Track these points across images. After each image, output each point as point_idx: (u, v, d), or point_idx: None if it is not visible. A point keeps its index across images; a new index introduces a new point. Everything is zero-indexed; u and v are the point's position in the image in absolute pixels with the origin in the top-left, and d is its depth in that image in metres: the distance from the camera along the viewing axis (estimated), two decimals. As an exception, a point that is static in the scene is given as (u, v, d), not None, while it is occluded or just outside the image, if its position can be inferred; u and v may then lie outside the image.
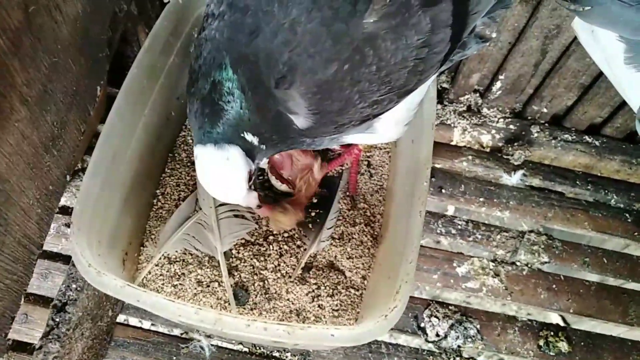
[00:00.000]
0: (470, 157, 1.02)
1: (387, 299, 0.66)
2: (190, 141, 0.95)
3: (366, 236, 0.89)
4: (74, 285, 0.70)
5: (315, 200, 0.91)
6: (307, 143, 0.74)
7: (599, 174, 1.04)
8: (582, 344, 0.89)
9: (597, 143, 1.05)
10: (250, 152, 0.66)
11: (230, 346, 0.86)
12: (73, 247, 0.64)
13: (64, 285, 0.70)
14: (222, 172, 0.65)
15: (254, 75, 0.62)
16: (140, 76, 0.76)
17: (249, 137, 0.65)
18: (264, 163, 0.71)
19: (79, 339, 0.72)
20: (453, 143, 1.05)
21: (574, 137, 1.05)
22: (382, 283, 0.76)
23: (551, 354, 0.88)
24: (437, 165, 1.02)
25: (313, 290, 0.85)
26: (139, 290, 0.62)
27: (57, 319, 0.68)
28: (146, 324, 0.89)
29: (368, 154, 0.96)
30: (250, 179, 0.68)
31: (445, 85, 1.07)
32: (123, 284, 0.62)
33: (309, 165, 0.89)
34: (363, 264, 0.87)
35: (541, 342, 0.88)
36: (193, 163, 0.93)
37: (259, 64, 0.61)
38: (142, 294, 0.62)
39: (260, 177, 0.93)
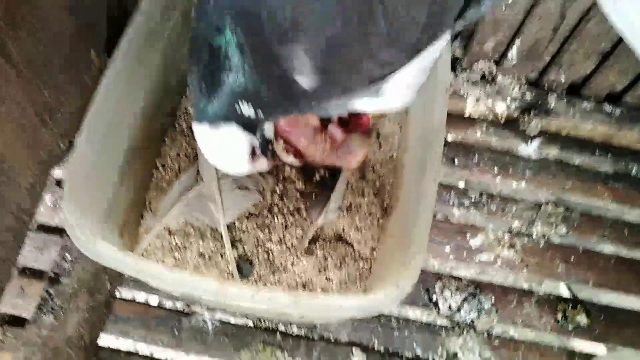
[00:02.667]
0: (484, 127, 0.98)
1: (398, 270, 0.62)
2: (192, 111, 0.91)
3: (375, 207, 0.85)
4: (68, 256, 0.67)
5: (322, 172, 0.87)
6: (311, 107, 0.70)
7: (618, 144, 1.00)
8: (601, 317, 0.85)
9: (617, 112, 1.00)
10: (249, 126, 0.62)
11: (234, 320, 0.82)
12: (65, 215, 0.60)
13: (58, 257, 0.67)
14: (222, 150, 0.62)
15: (254, 33, 0.58)
16: (137, 40, 0.72)
17: (245, 108, 0.61)
18: (268, 129, 0.67)
19: (74, 311, 0.69)
20: (466, 114, 1.00)
21: (593, 105, 1.01)
22: (393, 254, 0.73)
23: (569, 327, 0.84)
24: (449, 137, 0.97)
25: (320, 262, 0.81)
26: (136, 259, 0.59)
27: (51, 291, 0.65)
28: (147, 299, 0.86)
29: (378, 123, 0.92)
30: (254, 152, 0.64)
31: (457, 53, 1.03)
32: (119, 253, 0.58)
33: (319, 128, 0.84)
34: (372, 235, 0.83)
35: (559, 316, 0.85)
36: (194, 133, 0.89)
37: (260, 20, 0.57)
38: (140, 262, 0.59)
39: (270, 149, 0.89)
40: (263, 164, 0.70)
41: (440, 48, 0.71)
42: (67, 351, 0.70)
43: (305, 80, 0.61)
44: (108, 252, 0.58)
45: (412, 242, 0.63)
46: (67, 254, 0.67)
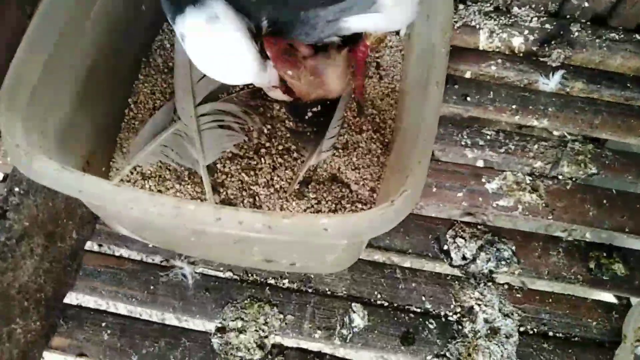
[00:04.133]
0: (499, 62, 0.87)
1: (396, 189, 0.52)
2: (168, 45, 0.82)
3: (375, 144, 0.75)
4: (16, 189, 0.58)
5: (314, 109, 0.77)
6: (300, 21, 0.61)
7: (654, 78, 0.88)
8: (642, 266, 0.73)
9: (650, 42, 0.88)
10: (239, 6, 0.53)
11: (217, 274, 0.73)
12: (2, 127, 0.51)
13: (5, 189, 0.58)
14: (215, 35, 0.53)
15: None
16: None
17: None
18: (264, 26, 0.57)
19: (28, 255, 0.60)
20: (479, 48, 0.89)
21: (622, 36, 0.89)
22: (392, 184, 0.62)
23: (604, 278, 0.72)
24: (460, 72, 0.87)
25: (312, 206, 0.71)
26: (79, 175, 0.49)
27: (-4, 227, 0.56)
28: (120, 252, 0.76)
29: (377, 54, 0.81)
30: (256, 41, 0.55)
31: (467, -19, 0.92)
32: (59, 168, 0.49)
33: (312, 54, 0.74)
34: (371, 174, 0.73)
35: (591, 264, 0.73)
36: (170, 69, 0.80)
37: None
38: (83, 179, 0.49)
39: (251, 86, 0.80)
40: (272, 72, 0.59)
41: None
42: (22, 302, 0.61)
43: None
44: (46, 167, 0.49)
45: (413, 154, 0.52)
46: (15, 187, 0.58)
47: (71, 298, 0.72)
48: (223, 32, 0.53)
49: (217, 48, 0.54)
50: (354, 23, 0.62)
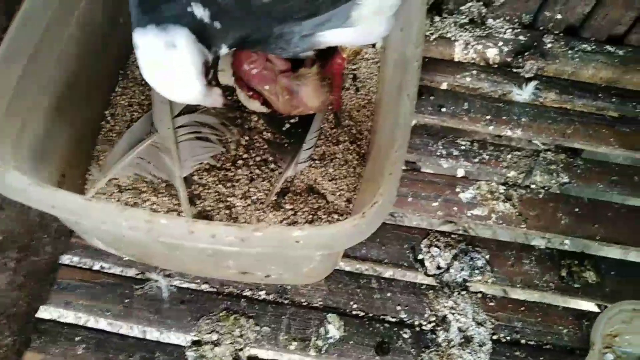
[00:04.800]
0: (474, 73, 0.88)
1: (369, 200, 0.53)
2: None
3: (351, 154, 0.75)
4: (-11, 203, 0.58)
5: (292, 120, 0.78)
6: (274, 37, 0.61)
7: (624, 88, 0.90)
8: (613, 273, 0.74)
9: (620, 53, 0.90)
10: (202, 35, 0.53)
11: (193, 286, 0.73)
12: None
13: (-23, 203, 0.58)
14: (167, 62, 0.52)
15: None
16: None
17: (198, 10, 0.52)
18: (225, 53, 0.58)
19: (1, 269, 0.59)
20: (455, 59, 0.91)
21: (594, 47, 0.91)
22: (366, 195, 0.63)
23: (576, 285, 0.74)
24: (436, 84, 0.88)
25: (289, 217, 0.72)
26: (51, 190, 0.49)
27: (-32, 242, 0.56)
28: (95, 265, 0.76)
29: (353, 67, 0.82)
30: (207, 73, 0.55)
31: (443, -7, 0.93)
32: (31, 182, 0.49)
33: (289, 69, 0.74)
34: (348, 185, 0.73)
35: (563, 273, 0.74)
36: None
37: None
38: (56, 194, 0.49)
39: (229, 97, 0.80)
40: (218, 97, 0.60)
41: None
42: (-6, 317, 0.61)
43: None
44: (18, 181, 0.49)
45: (385, 165, 0.53)
46: (-14, 201, 0.58)
47: (46, 312, 0.72)
48: (177, 63, 0.52)
49: (166, 74, 0.53)
50: (328, 37, 0.63)
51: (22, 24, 0.58)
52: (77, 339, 0.68)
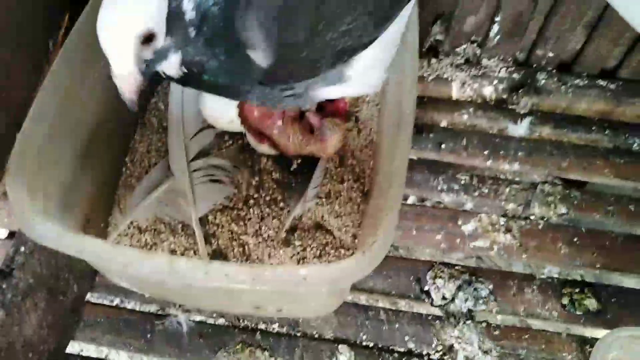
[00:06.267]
0: (471, 110, 0.93)
1: (370, 237, 0.57)
2: (162, 107, 0.88)
3: (355, 192, 0.80)
4: (22, 248, 0.63)
5: (299, 161, 0.83)
6: (275, 95, 0.65)
7: (617, 120, 0.93)
8: (613, 300, 0.77)
9: (612, 87, 0.94)
10: (172, 18, 0.50)
11: (210, 320, 0.77)
12: (9, 193, 0.56)
13: (12, 249, 0.63)
14: (111, 12, 0.49)
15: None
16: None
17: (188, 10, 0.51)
18: (175, 63, 0.54)
19: (32, 310, 0.64)
20: (452, 98, 0.96)
21: (587, 82, 0.95)
22: (369, 231, 0.67)
23: (577, 313, 0.76)
24: (435, 122, 0.92)
25: (298, 253, 0.76)
26: (79, 237, 0.54)
27: (3, 285, 0.61)
28: (118, 303, 0.80)
29: (356, 109, 0.87)
30: (148, 40, 0.50)
31: (439, 37, 0.99)
32: (60, 231, 0.54)
33: (293, 117, 0.80)
34: (352, 221, 0.78)
35: (565, 301, 0.77)
36: (164, 128, 0.86)
37: None
38: (83, 241, 0.54)
39: (240, 142, 0.85)
40: (132, 81, 0.52)
41: (405, 17, 0.67)
42: (26, 355, 0.65)
43: (260, 57, 0.57)
44: (49, 230, 0.54)
45: (384, 207, 0.57)
46: (21, 247, 0.63)
47: (73, 348, 0.76)
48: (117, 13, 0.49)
49: (105, 23, 0.49)
50: (325, 94, 0.67)
51: (48, 85, 0.64)
52: (102, 373, 0.72)
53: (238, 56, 0.56)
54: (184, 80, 0.57)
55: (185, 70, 0.55)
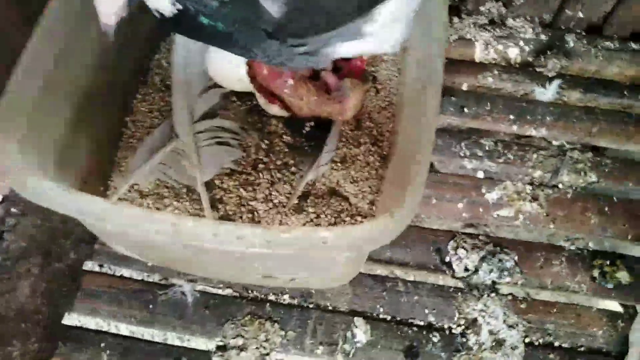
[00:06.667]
0: (496, 73, 0.87)
1: (395, 201, 0.52)
2: (165, 64, 0.83)
3: (373, 156, 0.74)
4: (13, 209, 0.58)
5: (312, 123, 0.77)
6: (284, 55, 0.59)
7: (651, 85, 0.88)
8: (647, 273, 0.72)
9: (645, 50, 0.88)
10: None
11: (217, 291, 0.72)
12: (-2, 147, 0.51)
13: (2, 210, 0.58)
14: None
15: None
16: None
17: None
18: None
19: (25, 275, 0.59)
20: (475, 60, 0.90)
21: (617, 45, 0.89)
22: (391, 196, 0.62)
23: (609, 286, 0.72)
24: (457, 84, 0.87)
25: (311, 220, 0.71)
26: (75, 194, 0.49)
27: (-6, 248, 0.56)
28: (119, 272, 0.76)
29: (373, 68, 0.82)
30: None
31: (461, -6, 0.93)
32: (54, 187, 0.49)
33: (304, 76, 0.74)
34: (370, 187, 0.72)
35: (595, 273, 0.72)
36: (168, 87, 0.81)
37: None
38: (80, 198, 0.49)
39: (249, 103, 0.80)
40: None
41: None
42: (19, 324, 0.60)
43: (271, 4, 0.51)
44: (42, 186, 0.49)
45: (411, 167, 0.52)
46: (12, 207, 0.58)
47: (71, 319, 0.71)
48: None
49: None
50: (343, 51, 0.61)
51: (42, 37, 0.58)
52: (102, 345, 0.68)
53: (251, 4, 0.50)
54: (178, 22, 0.51)
55: (180, 7, 0.49)
